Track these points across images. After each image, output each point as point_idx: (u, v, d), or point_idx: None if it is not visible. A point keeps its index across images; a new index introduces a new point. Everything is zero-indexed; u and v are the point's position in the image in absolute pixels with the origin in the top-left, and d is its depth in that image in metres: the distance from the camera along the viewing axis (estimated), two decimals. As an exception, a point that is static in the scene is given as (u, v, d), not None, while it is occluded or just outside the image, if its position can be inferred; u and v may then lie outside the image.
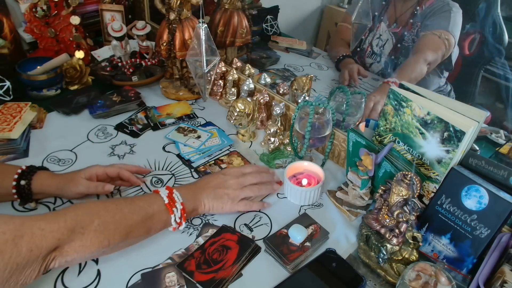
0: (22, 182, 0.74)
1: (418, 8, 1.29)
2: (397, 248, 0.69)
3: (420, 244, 0.66)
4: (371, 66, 1.40)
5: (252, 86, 1.10)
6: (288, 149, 1.00)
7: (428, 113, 0.71)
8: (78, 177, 0.77)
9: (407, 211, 0.67)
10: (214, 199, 0.76)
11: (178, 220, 0.71)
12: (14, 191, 0.74)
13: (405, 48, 1.31)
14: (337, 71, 1.44)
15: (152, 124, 1.07)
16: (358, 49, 1.44)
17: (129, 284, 0.66)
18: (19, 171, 0.75)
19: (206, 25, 0.93)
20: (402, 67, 1.29)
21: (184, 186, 0.78)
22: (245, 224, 0.80)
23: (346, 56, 1.38)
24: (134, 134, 1.03)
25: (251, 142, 1.04)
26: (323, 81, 1.36)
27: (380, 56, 1.37)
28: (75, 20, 1.24)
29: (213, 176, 0.80)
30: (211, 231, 0.76)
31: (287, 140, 1.00)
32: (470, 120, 0.68)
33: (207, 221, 0.79)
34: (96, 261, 0.70)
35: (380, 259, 0.71)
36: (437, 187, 0.73)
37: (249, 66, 1.19)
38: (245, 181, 0.80)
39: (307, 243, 0.74)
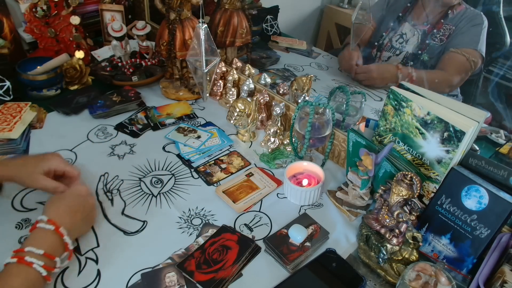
0: None
1: (450, 12, 1.32)
2: (397, 248, 0.69)
3: (420, 244, 0.66)
4: (389, 59, 1.42)
5: (252, 86, 1.10)
6: (288, 149, 1.00)
7: (428, 113, 0.71)
8: (36, 174, 0.74)
9: (407, 211, 0.67)
10: (85, 223, 0.73)
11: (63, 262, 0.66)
12: None
13: (431, 46, 1.33)
14: (337, 71, 1.44)
15: (152, 124, 1.06)
16: (376, 43, 1.45)
17: (129, 284, 0.66)
18: None
19: (206, 25, 0.93)
20: (425, 74, 1.32)
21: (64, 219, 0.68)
22: (245, 224, 0.80)
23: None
24: (134, 134, 1.03)
25: (251, 142, 1.04)
26: (323, 81, 1.36)
27: (400, 50, 1.38)
28: (75, 20, 1.24)
29: (68, 207, 0.71)
30: (211, 231, 0.76)
31: (287, 140, 1.00)
32: (470, 120, 0.68)
33: (207, 221, 0.79)
34: (96, 261, 0.70)
35: (380, 259, 0.71)
36: (437, 187, 0.73)
37: (249, 66, 1.19)
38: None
39: (307, 243, 0.74)
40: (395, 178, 0.69)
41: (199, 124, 1.08)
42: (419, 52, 1.35)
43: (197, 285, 0.66)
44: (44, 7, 1.20)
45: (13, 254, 0.61)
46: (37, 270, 0.60)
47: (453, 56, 1.29)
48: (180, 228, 0.78)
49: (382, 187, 0.74)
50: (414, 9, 1.40)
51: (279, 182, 0.90)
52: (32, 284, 0.60)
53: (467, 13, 1.31)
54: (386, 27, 1.44)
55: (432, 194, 0.75)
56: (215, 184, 0.89)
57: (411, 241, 0.66)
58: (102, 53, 1.33)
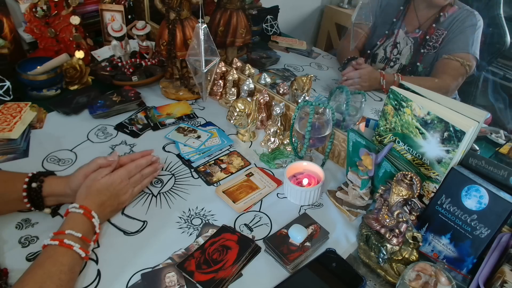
0: (33, 185, 0.74)
1: (441, 14, 1.28)
2: (397, 248, 0.69)
3: (420, 244, 0.66)
4: (384, 71, 1.39)
5: (252, 86, 1.09)
6: (288, 149, 1.00)
7: (428, 113, 0.71)
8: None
9: (407, 211, 0.67)
10: (111, 210, 0.77)
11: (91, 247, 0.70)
12: (24, 194, 0.73)
13: (424, 56, 1.31)
14: (337, 71, 1.44)
15: (152, 124, 1.06)
16: (369, 51, 1.43)
17: (129, 284, 0.66)
18: (30, 174, 0.75)
19: (206, 25, 0.93)
20: (418, 80, 1.29)
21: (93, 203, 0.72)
22: (245, 224, 0.79)
23: (352, 58, 1.37)
24: (134, 134, 1.03)
25: (251, 142, 1.04)
26: (323, 81, 1.36)
27: (394, 61, 1.36)
28: (75, 20, 1.24)
29: (99, 192, 0.74)
30: (211, 231, 0.76)
31: (287, 140, 1.00)
32: (470, 120, 0.68)
33: (207, 221, 0.79)
34: (96, 261, 0.70)
35: (380, 259, 0.71)
36: (437, 187, 0.73)
37: (249, 66, 1.19)
38: (130, 173, 0.80)
39: (307, 243, 0.74)
40: (395, 178, 0.69)
41: (199, 124, 1.08)
42: (415, 62, 1.32)
43: (197, 285, 0.66)
44: (44, 7, 1.20)
45: (53, 236, 0.65)
46: (77, 252, 0.64)
47: (447, 63, 1.26)
48: (180, 228, 0.78)
49: (382, 187, 0.74)
50: (407, 14, 1.36)
51: (279, 182, 0.90)
52: (77, 263, 0.65)
53: (460, 15, 1.27)
54: (380, 34, 1.41)
55: (432, 194, 0.75)
56: (215, 184, 0.89)
57: (411, 241, 0.66)
58: (102, 53, 1.33)
